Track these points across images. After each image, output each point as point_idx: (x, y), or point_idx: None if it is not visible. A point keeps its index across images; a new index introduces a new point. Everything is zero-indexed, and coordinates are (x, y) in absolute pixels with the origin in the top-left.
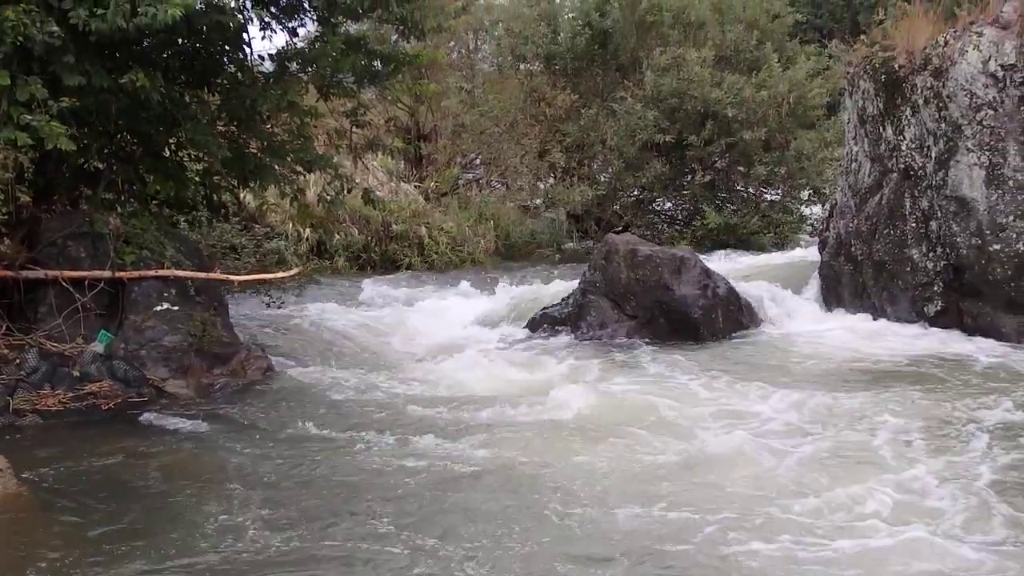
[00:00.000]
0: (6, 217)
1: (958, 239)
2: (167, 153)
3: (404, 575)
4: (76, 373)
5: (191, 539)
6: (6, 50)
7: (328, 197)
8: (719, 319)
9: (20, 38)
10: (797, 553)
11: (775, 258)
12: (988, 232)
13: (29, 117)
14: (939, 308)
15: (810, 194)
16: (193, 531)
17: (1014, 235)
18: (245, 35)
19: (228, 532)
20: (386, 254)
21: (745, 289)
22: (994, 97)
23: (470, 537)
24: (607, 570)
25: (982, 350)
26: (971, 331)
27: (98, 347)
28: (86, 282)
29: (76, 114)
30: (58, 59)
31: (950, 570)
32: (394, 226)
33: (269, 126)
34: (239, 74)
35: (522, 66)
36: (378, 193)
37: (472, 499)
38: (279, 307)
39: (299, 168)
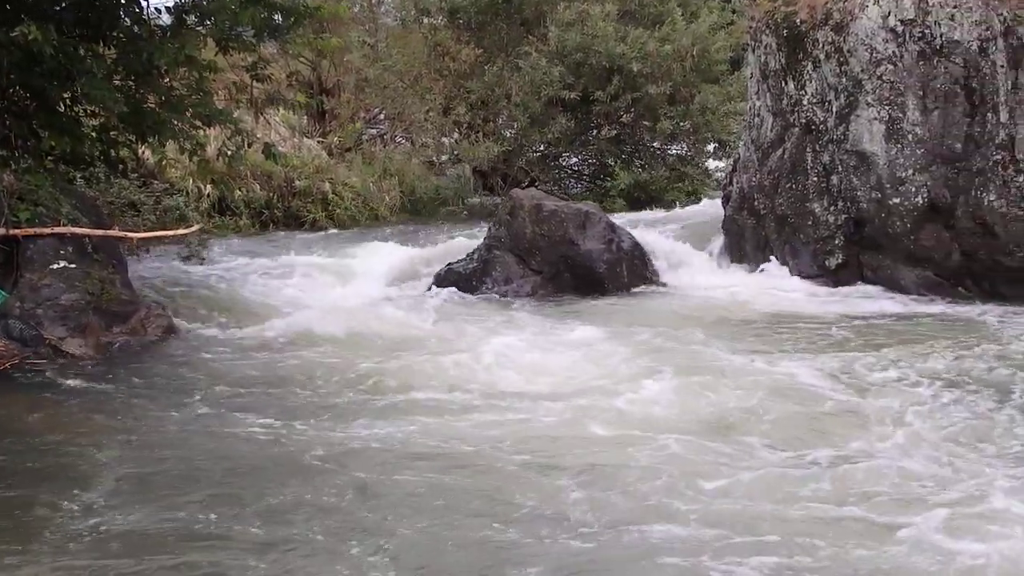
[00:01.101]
0: None
1: (858, 193)
2: (62, 108)
3: (287, 537)
4: None
5: (66, 501)
6: None
7: (229, 152)
8: (624, 273)
9: None
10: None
11: (683, 213)
12: (888, 186)
13: None
14: (840, 261)
15: (715, 148)
16: (67, 492)
17: (913, 189)
18: None
19: (102, 494)
20: (289, 210)
21: (650, 244)
22: (894, 52)
23: (339, 492)
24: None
25: (881, 302)
26: (871, 284)
27: None
28: None
29: None
30: None
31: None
32: (297, 182)
33: (167, 80)
34: (135, 27)
35: (425, 20)
36: (280, 148)
37: (356, 456)
38: (200, 262)
39: (198, 123)
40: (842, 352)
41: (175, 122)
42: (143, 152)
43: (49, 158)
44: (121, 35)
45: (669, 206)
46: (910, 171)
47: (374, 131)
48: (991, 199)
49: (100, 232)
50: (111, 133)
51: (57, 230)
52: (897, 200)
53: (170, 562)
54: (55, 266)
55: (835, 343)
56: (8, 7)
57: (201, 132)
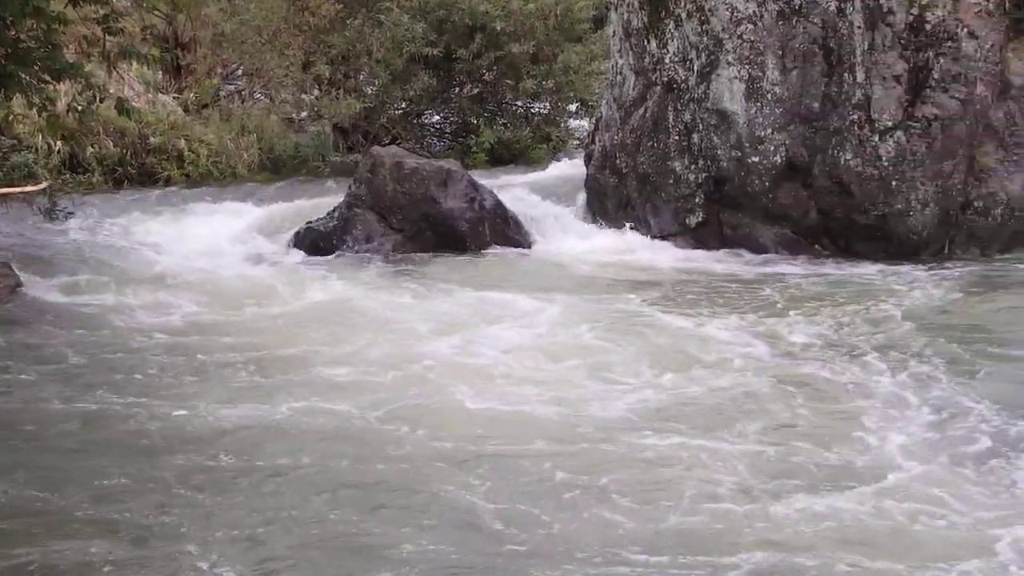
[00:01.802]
0: None
1: (719, 152)
2: None
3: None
4: None
5: None
6: None
7: (79, 107)
8: (486, 232)
9: None
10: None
11: (547, 171)
12: (747, 145)
13: None
14: (700, 219)
15: (578, 107)
16: None
17: (771, 148)
18: None
19: None
20: (144, 168)
21: (513, 202)
22: (754, 11)
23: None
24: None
25: (739, 259)
26: (730, 242)
27: None
28: None
29: None
30: None
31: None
32: (151, 138)
33: (13, 32)
34: None
35: None
36: (133, 104)
37: (199, 432)
38: (67, 218)
39: (47, 77)
40: (692, 309)
41: (22, 75)
42: None
43: None
44: None
45: (532, 164)
46: (769, 130)
47: (232, 87)
48: (847, 158)
49: None
50: None
51: None
52: (756, 159)
53: None
54: None
55: (689, 301)
56: None
57: (50, 86)
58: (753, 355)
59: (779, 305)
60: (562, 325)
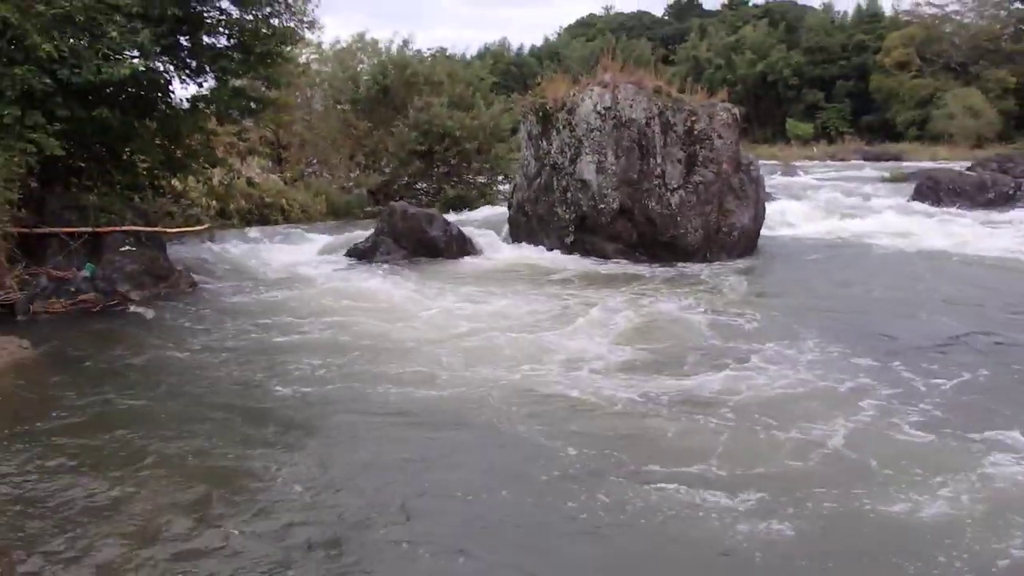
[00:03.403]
0: (22, 196)
1: (582, 202)
2: (124, 157)
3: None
4: (72, 289)
5: (143, 382)
6: (16, 94)
7: (226, 183)
8: (454, 247)
9: (26, 86)
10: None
11: (485, 213)
12: (597, 198)
13: (34, 135)
14: (572, 240)
15: (503, 178)
16: (146, 379)
17: (611, 199)
18: (170, 86)
19: (172, 380)
20: (262, 216)
21: (468, 231)
22: (600, 125)
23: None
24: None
25: (594, 261)
26: (589, 253)
27: (86, 273)
28: (76, 235)
29: (65, 134)
30: (51, 99)
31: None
32: (266, 199)
33: (188, 140)
34: (167, 109)
35: (338, 106)
36: (256, 179)
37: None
38: (222, 247)
39: (207, 165)
40: (582, 289)
41: (193, 165)
42: (174, 182)
43: (118, 186)
44: (159, 113)
45: (477, 210)
46: (609, 190)
47: (310, 169)
48: (652, 205)
49: (149, 229)
50: (155, 171)
51: (124, 228)
52: (603, 206)
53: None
54: (123, 249)
55: (575, 284)
56: (90, 97)
57: (209, 171)
58: (608, 306)
59: (621, 285)
60: (499, 296)
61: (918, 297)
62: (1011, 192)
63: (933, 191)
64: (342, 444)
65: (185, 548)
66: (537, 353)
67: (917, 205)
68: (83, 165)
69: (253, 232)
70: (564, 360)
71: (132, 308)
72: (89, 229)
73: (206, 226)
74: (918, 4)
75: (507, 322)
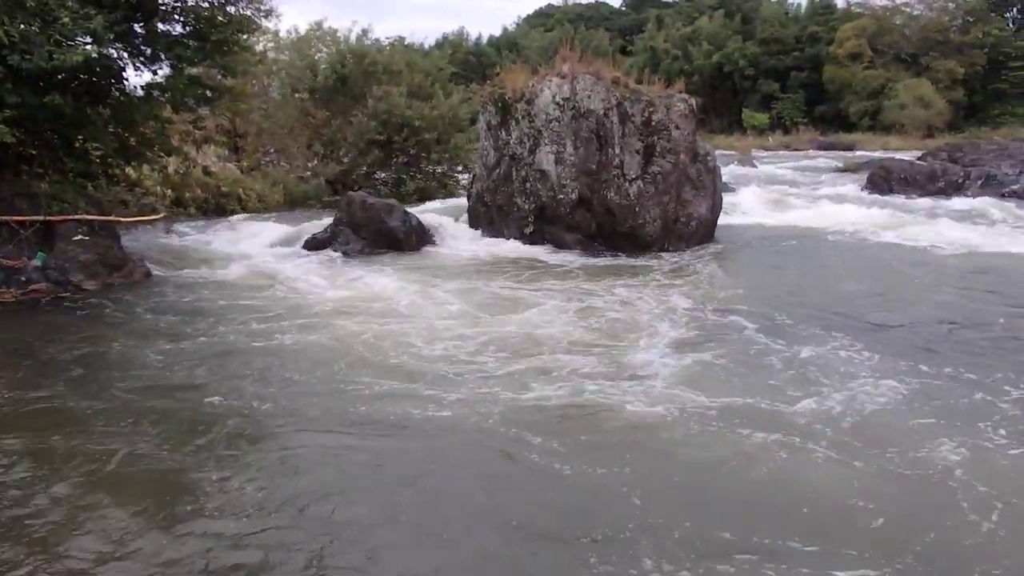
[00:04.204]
0: None
1: (541, 193)
2: (77, 144)
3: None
4: (23, 279)
5: (86, 378)
6: None
7: (181, 171)
8: (413, 238)
9: None
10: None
11: (445, 204)
12: (556, 188)
13: None
14: (532, 230)
15: (462, 168)
16: (90, 374)
17: (570, 190)
18: (124, 73)
19: (116, 376)
20: (219, 205)
21: (427, 220)
22: (559, 116)
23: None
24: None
25: (554, 251)
26: (549, 242)
27: (37, 263)
28: (27, 223)
29: (16, 121)
30: (1, 86)
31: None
32: (223, 188)
33: (142, 128)
34: (121, 97)
35: (296, 95)
36: (212, 169)
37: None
38: (178, 236)
39: (162, 154)
40: (541, 279)
41: (147, 153)
42: (128, 171)
43: (70, 175)
44: (112, 101)
45: (436, 200)
46: (568, 180)
47: (267, 159)
48: (611, 195)
49: (103, 218)
50: (108, 160)
51: (76, 217)
52: (562, 196)
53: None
54: (76, 238)
55: (535, 271)
56: (42, 83)
57: (164, 159)
58: (558, 295)
59: (578, 273)
60: (456, 283)
61: (876, 282)
62: (960, 181)
63: (885, 180)
64: (286, 449)
65: (102, 552)
66: (505, 344)
67: (869, 195)
68: (34, 152)
69: (209, 221)
70: (522, 354)
71: (84, 298)
72: (41, 218)
73: (161, 215)
74: None
75: (461, 311)
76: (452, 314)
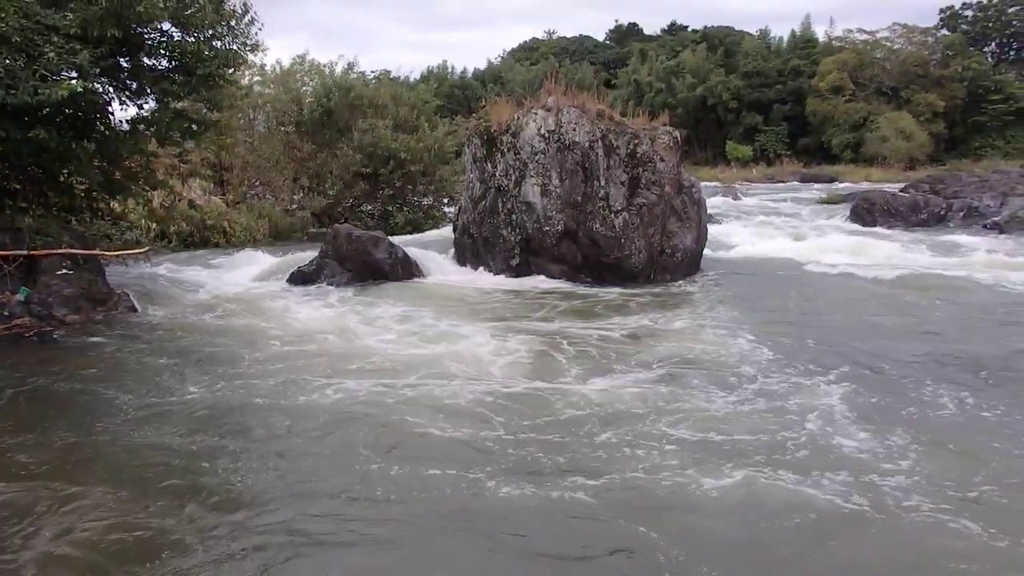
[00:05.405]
0: None
1: (527, 224)
2: (62, 179)
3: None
4: (6, 313)
5: (66, 417)
6: None
7: (166, 205)
8: (399, 270)
9: None
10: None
11: (431, 236)
12: (542, 220)
13: None
14: (518, 262)
15: (448, 200)
16: (70, 413)
17: (555, 222)
18: (110, 107)
19: (101, 405)
20: (204, 238)
21: (413, 253)
22: (544, 148)
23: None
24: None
25: (540, 283)
26: (535, 273)
27: (20, 297)
28: (10, 258)
29: (0, 155)
30: None
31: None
32: (208, 221)
33: (127, 162)
34: (106, 131)
35: (282, 128)
36: (197, 202)
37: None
38: (164, 270)
39: (147, 187)
40: (529, 307)
41: (132, 187)
42: (113, 205)
43: (54, 209)
44: (97, 135)
45: (423, 232)
46: (554, 212)
47: (253, 192)
48: (596, 227)
49: (87, 252)
50: (93, 193)
51: (60, 251)
52: (548, 228)
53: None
54: (60, 272)
55: (523, 302)
56: (27, 118)
57: (149, 193)
58: (550, 329)
59: (561, 306)
60: (441, 316)
61: (860, 314)
62: (943, 212)
63: (869, 212)
64: (270, 493)
65: None
66: (481, 373)
67: (853, 226)
68: (18, 187)
69: (194, 255)
70: (511, 382)
71: (68, 334)
72: (24, 252)
73: (146, 249)
74: (850, 31)
75: (451, 349)
76: (444, 351)
